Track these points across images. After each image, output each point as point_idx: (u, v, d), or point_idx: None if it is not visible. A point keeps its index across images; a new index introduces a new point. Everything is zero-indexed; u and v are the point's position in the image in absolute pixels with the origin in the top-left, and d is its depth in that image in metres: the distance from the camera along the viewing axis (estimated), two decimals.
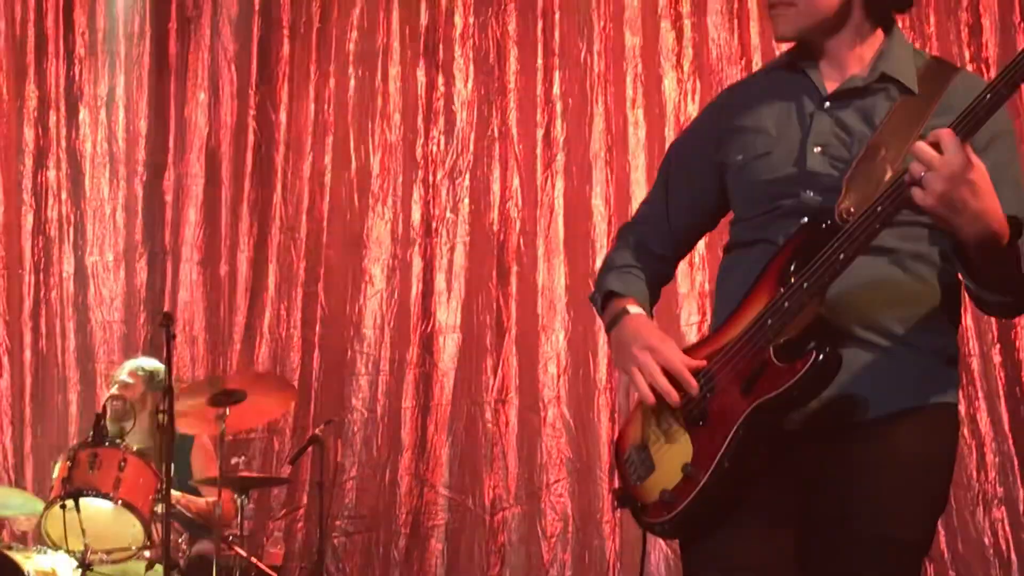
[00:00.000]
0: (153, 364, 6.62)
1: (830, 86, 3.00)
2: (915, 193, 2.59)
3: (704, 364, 2.92)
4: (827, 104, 2.97)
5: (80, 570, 6.10)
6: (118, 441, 6.45)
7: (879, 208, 2.68)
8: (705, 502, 2.84)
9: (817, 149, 2.93)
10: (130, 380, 7.06)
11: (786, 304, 2.79)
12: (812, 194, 2.90)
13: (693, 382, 2.90)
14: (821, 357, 2.71)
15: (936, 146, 2.57)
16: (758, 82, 3.19)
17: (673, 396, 2.91)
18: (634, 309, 3.11)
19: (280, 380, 7.57)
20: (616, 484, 3.18)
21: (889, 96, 2.93)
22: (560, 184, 7.84)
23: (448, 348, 7.82)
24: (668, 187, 3.28)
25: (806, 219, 2.83)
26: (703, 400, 2.89)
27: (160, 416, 5.99)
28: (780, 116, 3.03)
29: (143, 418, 6.86)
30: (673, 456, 2.92)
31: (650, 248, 3.27)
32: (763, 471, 2.86)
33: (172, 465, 5.92)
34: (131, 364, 7.13)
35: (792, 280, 2.79)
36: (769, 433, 2.83)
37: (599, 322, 7.51)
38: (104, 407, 6.68)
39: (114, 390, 7.01)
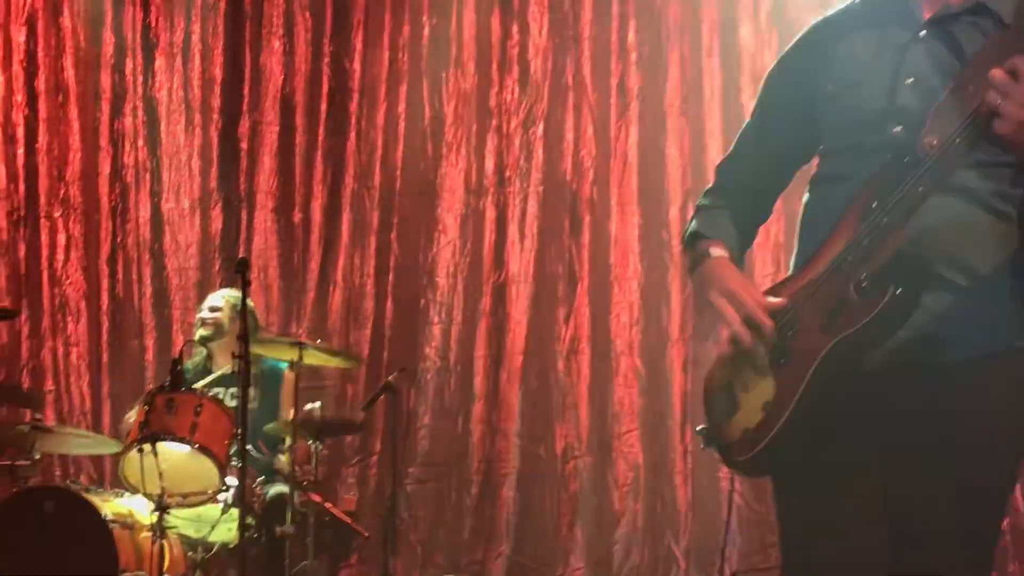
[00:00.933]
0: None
1: (925, 11, 2.91)
2: (994, 123, 2.56)
3: (783, 303, 2.91)
4: (922, 33, 2.89)
5: (157, 513, 6.17)
6: (194, 387, 6.53)
7: (957, 140, 2.64)
8: (786, 439, 2.82)
9: (909, 81, 2.87)
10: (219, 303, 7.15)
11: (866, 240, 2.76)
12: (900, 129, 2.84)
13: (768, 322, 2.89)
14: (899, 292, 2.69)
15: (1014, 74, 2.54)
16: (852, 10, 3.09)
17: (746, 339, 2.90)
18: (716, 252, 3.07)
19: (348, 350, 7.61)
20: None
21: (981, 28, 2.85)
22: (634, 133, 7.80)
23: (520, 298, 7.82)
24: (762, 120, 3.23)
25: (890, 156, 2.78)
26: (786, 339, 2.88)
27: (235, 362, 6.04)
28: (873, 45, 2.96)
29: (229, 342, 6.93)
30: (756, 395, 2.91)
31: (744, 185, 3.23)
32: (845, 411, 2.85)
33: (247, 410, 5.96)
34: (219, 292, 7.23)
35: (872, 216, 2.76)
36: (848, 371, 2.81)
37: (672, 272, 7.54)
38: (180, 352, 6.74)
39: (203, 314, 7.11)
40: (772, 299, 2.93)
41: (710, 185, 3.30)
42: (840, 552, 2.87)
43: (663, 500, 7.41)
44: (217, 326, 7.12)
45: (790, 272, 3.03)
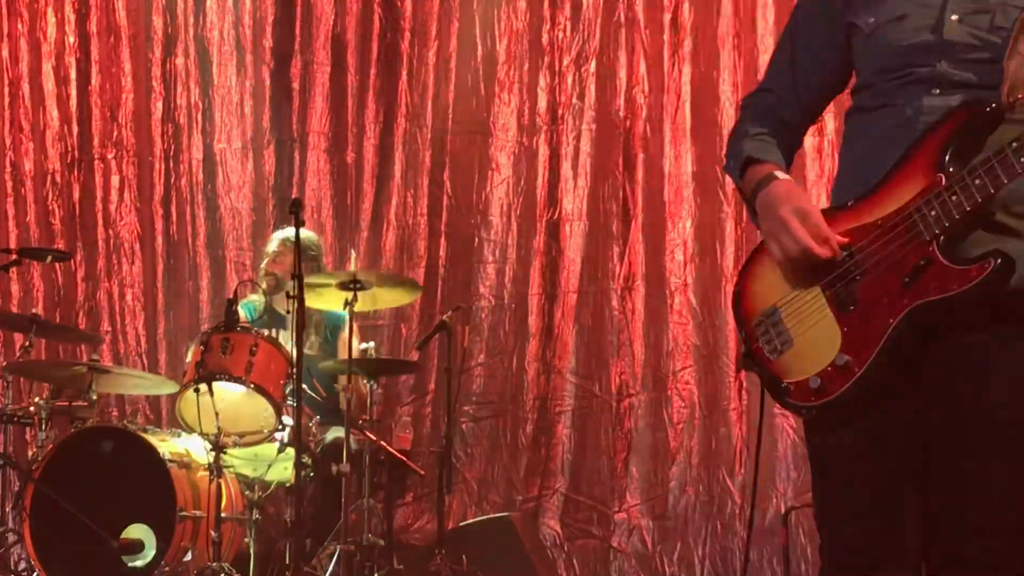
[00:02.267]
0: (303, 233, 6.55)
1: None
2: None
3: (847, 241, 2.83)
4: None
5: (213, 453, 6.21)
6: (249, 326, 6.55)
7: None
8: (860, 392, 2.76)
9: (955, 17, 2.80)
10: (279, 249, 7.16)
11: (953, 197, 2.67)
12: (948, 65, 2.78)
13: (839, 253, 2.82)
14: (999, 262, 2.62)
15: None
16: None
17: (822, 255, 2.80)
18: (782, 175, 2.98)
19: (406, 279, 7.60)
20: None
21: None
22: (687, 70, 7.73)
23: (574, 235, 7.80)
24: (794, 50, 3.15)
25: (964, 101, 2.71)
26: (850, 281, 2.81)
27: (290, 302, 6.05)
28: None
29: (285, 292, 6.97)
30: (817, 337, 2.84)
31: (779, 115, 3.13)
32: (915, 362, 2.78)
33: (302, 348, 5.97)
34: (279, 235, 7.23)
35: (952, 168, 2.68)
36: (930, 330, 2.74)
37: (726, 209, 7.49)
38: (235, 292, 6.76)
39: (265, 264, 7.13)
40: (836, 236, 2.84)
41: (743, 113, 3.20)
42: (876, 505, 2.81)
43: (718, 437, 7.39)
44: (277, 279, 7.12)
45: (834, 202, 2.93)
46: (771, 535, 7.08)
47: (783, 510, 6.94)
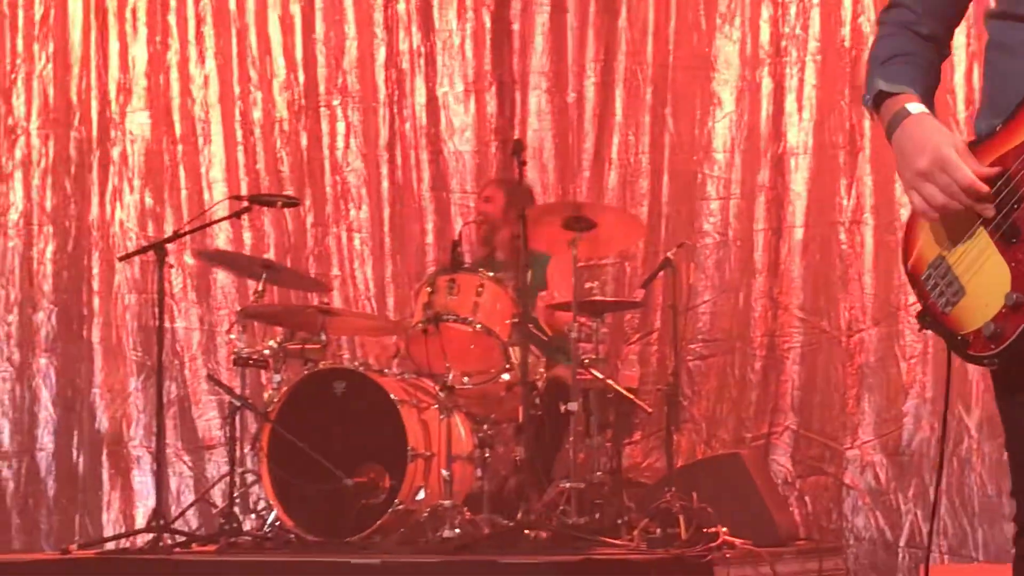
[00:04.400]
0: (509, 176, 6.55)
1: None
2: None
3: (999, 170, 2.56)
4: None
5: (443, 392, 6.28)
6: (476, 267, 6.61)
7: None
8: None
9: None
10: (490, 195, 7.22)
11: None
12: None
13: (987, 189, 2.55)
14: None
15: None
16: None
17: (969, 205, 2.55)
18: (915, 108, 2.69)
19: (629, 215, 7.58)
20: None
21: None
22: None
23: (800, 169, 7.67)
24: None
25: None
26: (1010, 211, 2.54)
27: (516, 239, 6.08)
28: None
29: (504, 234, 7.02)
30: (987, 279, 2.58)
31: (916, 28, 2.84)
32: None
33: (527, 287, 6.01)
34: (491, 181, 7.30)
35: None
36: None
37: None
38: (460, 234, 6.82)
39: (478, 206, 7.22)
40: (985, 168, 2.57)
41: (878, 33, 2.92)
42: None
43: (952, 370, 7.19)
44: (491, 223, 7.16)
45: (978, 128, 2.67)
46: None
47: None
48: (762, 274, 7.67)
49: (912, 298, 7.15)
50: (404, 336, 6.78)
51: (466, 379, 6.42)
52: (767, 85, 7.78)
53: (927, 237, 2.72)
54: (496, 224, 7.27)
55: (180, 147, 8.88)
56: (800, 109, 7.71)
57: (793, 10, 7.74)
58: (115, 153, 8.96)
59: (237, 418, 6.73)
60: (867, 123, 7.51)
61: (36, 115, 9.17)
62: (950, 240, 2.66)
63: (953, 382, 7.21)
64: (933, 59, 2.85)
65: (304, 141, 8.65)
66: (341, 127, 8.59)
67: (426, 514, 6.23)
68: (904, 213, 7.27)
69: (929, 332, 2.76)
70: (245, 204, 7.15)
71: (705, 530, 6.02)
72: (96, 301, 8.91)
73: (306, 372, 6.61)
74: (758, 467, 7.01)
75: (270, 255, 7.70)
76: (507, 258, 7.17)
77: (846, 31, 7.63)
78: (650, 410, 7.09)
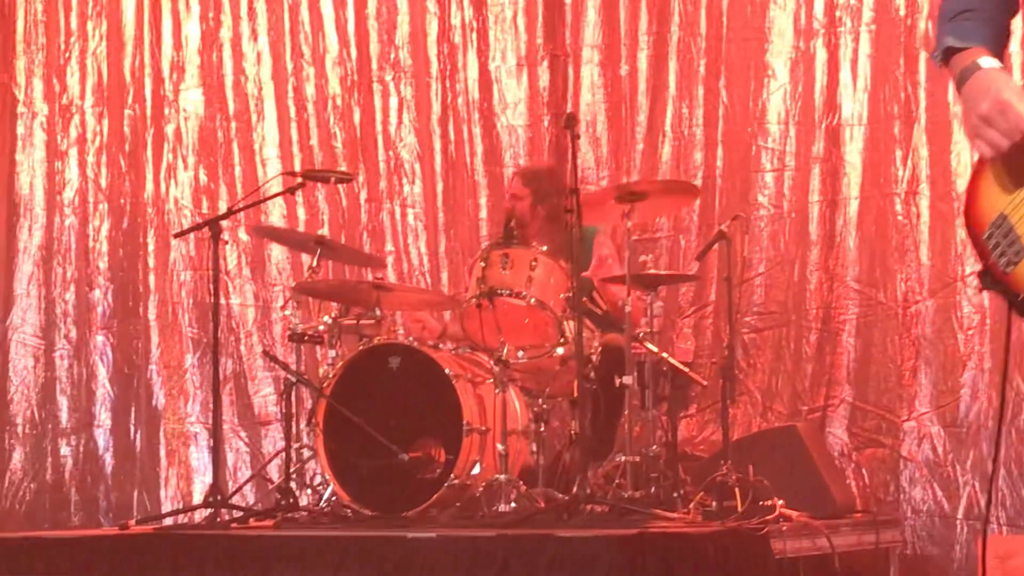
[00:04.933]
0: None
1: None
2: None
3: None
4: None
5: (497, 367, 6.28)
6: (528, 242, 6.60)
7: None
8: None
9: None
10: (516, 192, 7.23)
11: None
12: None
13: None
14: None
15: None
16: None
17: None
18: (986, 62, 2.71)
19: (683, 183, 7.55)
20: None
21: None
22: None
23: (855, 140, 7.61)
24: None
25: None
26: None
27: (568, 214, 6.06)
28: None
29: (540, 218, 7.02)
30: None
31: None
32: None
33: (580, 262, 6.00)
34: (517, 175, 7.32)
35: None
36: None
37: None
38: (513, 208, 6.81)
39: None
40: None
41: None
42: None
43: (1011, 341, 7.14)
44: (520, 219, 7.12)
45: None
46: None
47: None
48: (817, 246, 7.63)
49: (969, 268, 7.14)
50: (458, 311, 6.78)
51: (520, 353, 6.41)
52: (821, 55, 7.72)
53: (990, 197, 2.71)
54: (525, 220, 7.22)
55: (234, 124, 8.93)
56: (855, 79, 7.65)
57: None
58: (169, 131, 9.03)
59: (293, 394, 6.75)
60: (922, 93, 7.45)
61: (91, 93, 9.24)
62: (1013, 197, 2.66)
63: (1012, 353, 7.18)
64: (998, 14, 2.85)
65: (357, 117, 8.67)
66: (394, 102, 8.60)
67: (481, 488, 6.24)
68: (960, 183, 7.22)
69: (987, 304, 2.73)
70: (299, 180, 7.16)
71: (761, 503, 6.00)
72: (152, 278, 8.99)
73: (361, 347, 6.62)
74: (814, 439, 6.98)
75: (324, 231, 7.69)
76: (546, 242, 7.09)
77: (901, 0, 7.56)
78: (705, 383, 7.06)
